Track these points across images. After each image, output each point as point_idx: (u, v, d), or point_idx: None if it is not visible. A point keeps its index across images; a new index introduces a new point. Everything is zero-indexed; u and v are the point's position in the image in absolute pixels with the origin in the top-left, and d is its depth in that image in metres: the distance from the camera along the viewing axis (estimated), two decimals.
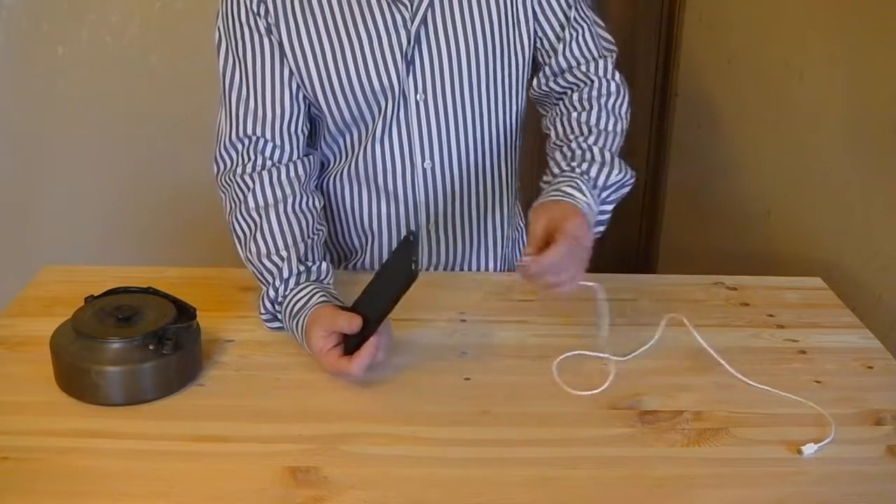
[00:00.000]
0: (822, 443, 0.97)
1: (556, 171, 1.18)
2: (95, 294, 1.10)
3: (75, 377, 1.01)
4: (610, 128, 1.24)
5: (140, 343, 1.01)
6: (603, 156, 1.18)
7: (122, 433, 0.96)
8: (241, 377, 1.08)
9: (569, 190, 1.12)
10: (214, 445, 0.95)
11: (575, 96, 1.27)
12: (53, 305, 1.21)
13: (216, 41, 1.24)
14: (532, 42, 1.29)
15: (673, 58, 2.33)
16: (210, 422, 0.99)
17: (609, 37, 1.32)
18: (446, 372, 1.10)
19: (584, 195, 1.12)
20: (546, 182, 1.17)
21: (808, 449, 0.96)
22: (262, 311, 1.15)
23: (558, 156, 1.20)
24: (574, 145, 1.20)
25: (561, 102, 1.30)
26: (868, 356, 1.16)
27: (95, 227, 2.42)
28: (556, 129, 1.27)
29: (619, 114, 1.26)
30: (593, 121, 1.24)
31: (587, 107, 1.25)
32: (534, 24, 1.27)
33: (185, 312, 1.07)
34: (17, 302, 1.24)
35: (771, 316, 1.26)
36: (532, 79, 1.34)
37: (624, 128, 1.27)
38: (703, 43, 2.17)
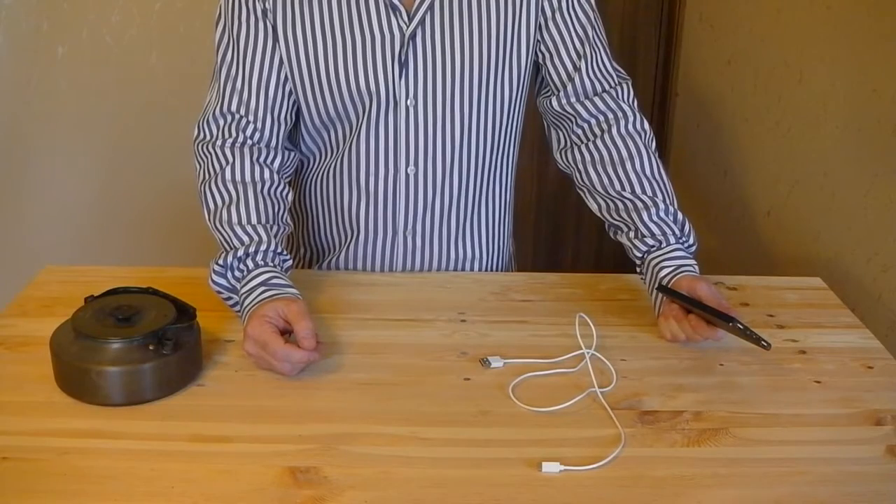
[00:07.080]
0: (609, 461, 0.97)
1: (669, 240, 1.21)
2: (95, 294, 1.10)
3: (75, 377, 1.01)
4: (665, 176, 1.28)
5: (140, 343, 1.01)
6: (684, 217, 1.24)
7: (122, 433, 0.96)
8: (241, 377, 1.08)
9: (694, 265, 1.20)
10: (214, 445, 0.95)
11: (617, 137, 1.28)
12: (53, 305, 1.21)
13: (216, 16, 1.25)
14: (529, 59, 1.28)
15: (673, 58, 2.33)
16: (210, 422, 0.99)
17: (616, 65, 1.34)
18: (446, 372, 1.10)
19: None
20: (654, 247, 1.22)
21: (549, 466, 0.92)
22: (221, 262, 1.14)
23: (653, 226, 1.22)
24: (664, 213, 1.23)
25: (597, 139, 1.29)
26: (868, 356, 1.16)
27: (95, 227, 2.42)
28: (617, 175, 1.27)
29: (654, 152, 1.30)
30: (654, 173, 1.26)
31: (645, 158, 1.27)
32: (536, 38, 1.27)
33: (185, 312, 1.07)
34: (17, 302, 1.24)
35: (771, 316, 1.26)
36: (542, 96, 1.33)
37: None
38: (703, 43, 2.17)
